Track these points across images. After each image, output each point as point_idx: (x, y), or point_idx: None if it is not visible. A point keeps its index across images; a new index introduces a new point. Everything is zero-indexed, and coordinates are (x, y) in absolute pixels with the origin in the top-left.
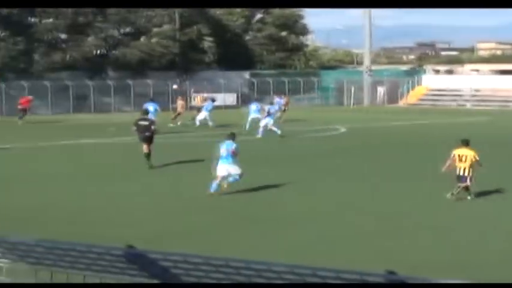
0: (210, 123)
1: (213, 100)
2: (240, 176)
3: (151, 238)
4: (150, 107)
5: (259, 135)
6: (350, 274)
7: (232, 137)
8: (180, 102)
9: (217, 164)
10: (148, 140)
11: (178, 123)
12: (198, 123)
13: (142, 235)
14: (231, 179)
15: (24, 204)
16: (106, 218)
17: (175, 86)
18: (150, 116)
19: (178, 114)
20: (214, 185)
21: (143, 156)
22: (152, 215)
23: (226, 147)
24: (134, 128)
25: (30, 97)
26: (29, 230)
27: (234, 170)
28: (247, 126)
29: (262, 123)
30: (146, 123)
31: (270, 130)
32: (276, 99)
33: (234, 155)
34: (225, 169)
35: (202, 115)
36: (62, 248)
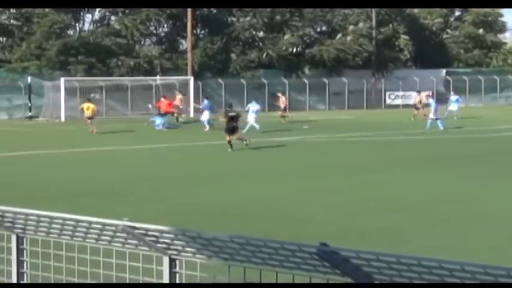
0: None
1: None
2: None
3: (344, 235)
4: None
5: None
6: None
7: None
8: None
9: None
10: (235, 130)
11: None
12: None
13: (336, 232)
14: None
15: (219, 201)
16: (300, 215)
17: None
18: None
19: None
20: None
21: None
22: (346, 212)
23: None
24: (224, 118)
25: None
26: (223, 227)
27: None
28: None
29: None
30: (234, 114)
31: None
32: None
33: None
34: None
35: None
36: (255, 245)
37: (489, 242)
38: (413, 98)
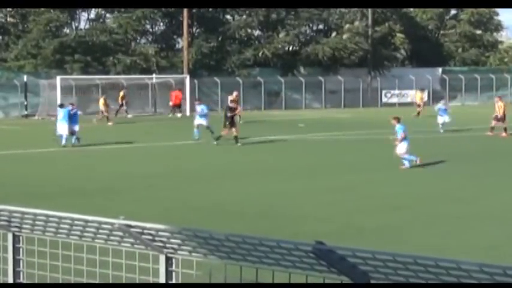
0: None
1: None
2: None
3: (342, 234)
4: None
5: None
6: None
7: (398, 120)
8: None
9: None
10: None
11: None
12: None
13: (333, 231)
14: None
15: (217, 200)
16: (298, 213)
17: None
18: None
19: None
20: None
21: None
22: (344, 211)
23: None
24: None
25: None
26: (221, 226)
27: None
28: None
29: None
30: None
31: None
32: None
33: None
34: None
35: None
36: (251, 243)
37: (486, 240)
38: (411, 96)
